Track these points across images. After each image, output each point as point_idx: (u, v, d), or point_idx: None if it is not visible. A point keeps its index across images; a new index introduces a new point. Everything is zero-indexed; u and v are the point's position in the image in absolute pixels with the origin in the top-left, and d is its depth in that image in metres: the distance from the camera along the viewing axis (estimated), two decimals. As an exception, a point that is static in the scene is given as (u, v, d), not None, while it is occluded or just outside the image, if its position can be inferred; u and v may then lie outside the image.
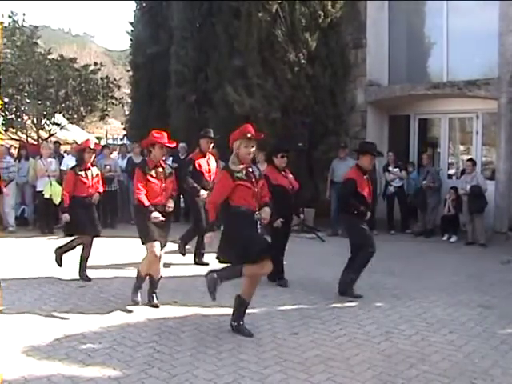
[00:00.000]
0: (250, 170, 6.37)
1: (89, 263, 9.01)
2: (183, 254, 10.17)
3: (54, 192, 13.84)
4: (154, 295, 7.51)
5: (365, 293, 8.08)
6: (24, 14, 20.53)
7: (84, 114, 21.01)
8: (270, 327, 6.67)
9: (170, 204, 7.66)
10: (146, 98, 20.67)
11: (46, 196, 13.79)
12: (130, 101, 23.84)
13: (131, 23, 22.49)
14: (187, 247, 10.24)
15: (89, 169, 9.03)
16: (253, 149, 6.33)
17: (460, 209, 13.55)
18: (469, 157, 14.64)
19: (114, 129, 42.27)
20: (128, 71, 24.11)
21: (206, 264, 9.81)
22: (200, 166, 9.97)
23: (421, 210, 14.41)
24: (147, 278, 7.54)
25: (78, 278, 8.88)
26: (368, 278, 8.55)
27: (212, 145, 10.32)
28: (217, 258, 6.35)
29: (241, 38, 15.60)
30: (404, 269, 9.80)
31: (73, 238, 9.11)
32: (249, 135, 6.32)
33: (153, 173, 7.41)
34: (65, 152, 17.44)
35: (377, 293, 8.20)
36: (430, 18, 16.69)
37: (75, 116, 20.74)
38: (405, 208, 14.92)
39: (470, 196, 13.03)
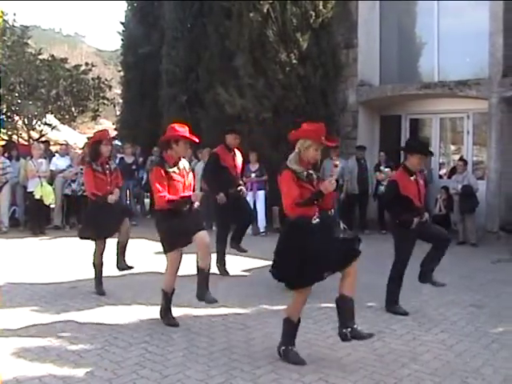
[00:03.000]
0: (310, 172, 5.61)
1: (79, 264, 8.97)
2: (226, 274, 9.61)
3: (44, 193, 13.83)
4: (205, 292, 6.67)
5: (356, 293, 8.07)
6: (14, 14, 20.57)
7: (75, 114, 21.00)
8: (262, 327, 6.67)
9: (195, 197, 6.90)
10: (137, 98, 20.65)
11: (37, 197, 13.77)
12: (121, 101, 23.82)
13: (122, 23, 22.46)
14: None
15: (106, 163, 8.23)
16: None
17: (451, 208, 13.59)
18: (460, 156, 14.69)
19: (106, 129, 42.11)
20: (119, 71, 24.09)
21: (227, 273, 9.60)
22: (225, 160, 9.42)
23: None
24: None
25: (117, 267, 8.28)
26: (359, 277, 8.54)
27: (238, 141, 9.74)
28: (271, 272, 5.64)
29: (232, 38, 15.59)
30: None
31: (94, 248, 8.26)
32: (324, 140, 5.61)
33: (175, 169, 6.69)
34: (56, 152, 17.38)
35: (368, 292, 8.20)
36: (421, 18, 16.72)
37: (66, 116, 20.71)
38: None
39: (462, 196, 13.07)
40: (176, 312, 7.17)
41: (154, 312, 7.17)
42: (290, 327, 5.63)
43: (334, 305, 7.57)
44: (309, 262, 5.26)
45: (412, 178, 7.39)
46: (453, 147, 16.79)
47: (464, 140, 15.48)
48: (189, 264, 9.67)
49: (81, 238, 8.35)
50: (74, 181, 14.57)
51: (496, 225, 13.75)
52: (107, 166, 8.18)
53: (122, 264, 8.21)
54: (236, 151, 9.68)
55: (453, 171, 14.98)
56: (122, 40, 22.59)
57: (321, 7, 14.96)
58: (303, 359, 5.50)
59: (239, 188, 9.58)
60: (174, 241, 6.58)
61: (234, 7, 15.42)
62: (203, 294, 6.55)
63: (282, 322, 6.84)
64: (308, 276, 5.37)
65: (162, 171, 6.57)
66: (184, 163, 6.87)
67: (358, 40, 16.14)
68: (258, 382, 5.08)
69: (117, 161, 16.09)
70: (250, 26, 14.78)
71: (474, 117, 15.25)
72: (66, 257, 10.82)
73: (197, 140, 7.12)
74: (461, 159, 14.00)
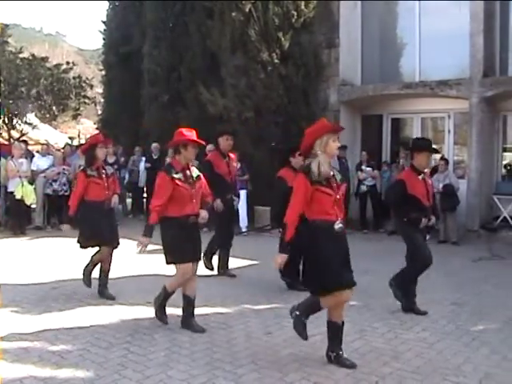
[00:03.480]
0: (331, 172, 5.38)
1: (61, 265, 8.92)
2: (211, 269, 9.46)
3: (25, 193, 13.73)
4: (192, 319, 6.58)
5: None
6: (-6, 13, 20.34)
7: (56, 113, 20.88)
8: (244, 327, 6.67)
9: (203, 214, 6.56)
10: (118, 97, 20.57)
11: (18, 197, 13.66)
12: (102, 100, 23.72)
13: (104, 22, 22.37)
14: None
15: (102, 168, 7.94)
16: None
17: (432, 207, 13.65)
18: (441, 156, 14.77)
19: (87, 128, 41.94)
20: (100, 70, 23.99)
21: (233, 275, 9.44)
22: (219, 167, 9.13)
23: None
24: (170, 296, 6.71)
25: (98, 295, 7.92)
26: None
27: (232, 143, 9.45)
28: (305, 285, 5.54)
29: (214, 37, 15.61)
30: (377, 268, 9.84)
31: (92, 255, 7.98)
32: (336, 128, 5.54)
33: (181, 176, 6.35)
34: (37, 152, 17.27)
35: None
36: (402, 19, 16.81)
37: (47, 115, 20.59)
38: (377, 207, 15.02)
39: (443, 194, 13.14)
40: (158, 312, 7.17)
41: (136, 312, 7.16)
42: (337, 331, 5.49)
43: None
44: (332, 265, 5.18)
45: (420, 177, 7.31)
46: (434, 147, 16.86)
47: (445, 139, 15.59)
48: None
49: (82, 247, 8.01)
50: (55, 180, 14.48)
51: (476, 223, 13.86)
52: (103, 171, 7.90)
53: (106, 294, 7.91)
54: (231, 156, 9.47)
55: (434, 170, 15.06)
56: (104, 39, 22.50)
57: (302, 7, 15.03)
58: (354, 363, 5.40)
59: (233, 198, 9.42)
60: (183, 253, 6.34)
61: (216, 7, 15.46)
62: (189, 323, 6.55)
63: (263, 322, 6.86)
64: (339, 277, 5.24)
65: (167, 177, 6.30)
66: (193, 170, 6.59)
67: (340, 40, 16.18)
68: (240, 382, 5.08)
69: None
70: (231, 25, 14.80)
71: (454, 116, 15.36)
72: (47, 257, 10.75)
73: (204, 143, 6.91)
74: (442, 158, 14.08)
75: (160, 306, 6.67)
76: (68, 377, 5.12)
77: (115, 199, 8.03)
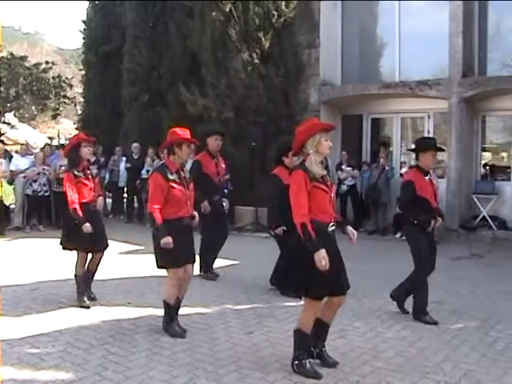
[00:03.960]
0: (324, 172, 5.29)
1: (40, 266, 8.85)
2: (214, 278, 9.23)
3: (4, 193, 13.62)
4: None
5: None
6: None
7: (35, 113, 20.76)
8: (225, 327, 6.67)
9: (196, 216, 6.54)
10: (98, 97, 20.51)
11: (-4, 197, 13.56)
12: (82, 100, 23.61)
13: (84, 22, 22.26)
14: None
15: (88, 168, 7.66)
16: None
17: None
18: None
19: (67, 129, 41.74)
20: (80, 70, 23.90)
21: (216, 275, 9.31)
22: (207, 168, 9.03)
23: (374, 206, 14.57)
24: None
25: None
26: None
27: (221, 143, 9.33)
28: (272, 284, 5.44)
29: (194, 37, 15.60)
30: (358, 267, 9.86)
31: (75, 261, 7.64)
32: (328, 126, 5.39)
33: (176, 177, 6.25)
34: (15, 152, 17.15)
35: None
36: (382, 19, 16.91)
37: (26, 115, 20.46)
38: (357, 206, 15.10)
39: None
40: (139, 312, 7.16)
41: (117, 313, 7.13)
42: (303, 341, 5.31)
43: (296, 304, 7.64)
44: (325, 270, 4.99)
45: (427, 177, 7.17)
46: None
47: (425, 139, 15.66)
48: (154, 264, 9.62)
49: (63, 248, 7.69)
50: (35, 181, 14.38)
51: (456, 223, 13.96)
52: (89, 172, 7.61)
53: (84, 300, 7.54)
54: (220, 158, 9.37)
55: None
56: (84, 38, 22.40)
57: (283, 7, 15.04)
58: (319, 373, 5.22)
59: (222, 200, 9.29)
60: (175, 257, 6.16)
61: (197, 6, 15.46)
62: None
63: (244, 322, 6.86)
64: (325, 285, 5.09)
65: (162, 179, 6.18)
66: (186, 172, 6.51)
67: (320, 40, 16.24)
68: (222, 382, 5.08)
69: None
70: (212, 25, 14.79)
71: (434, 116, 15.47)
72: (26, 258, 10.67)
73: (198, 143, 6.85)
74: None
75: (169, 325, 6.38)
76: (48, 379, 5.08)
77: (100, 201, 7.80)
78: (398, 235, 13.81)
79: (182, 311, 6.66)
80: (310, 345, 5.35)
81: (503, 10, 14.41)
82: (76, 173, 7.40)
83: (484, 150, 15.44)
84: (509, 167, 14.78)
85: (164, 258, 6.22)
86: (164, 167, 6.34)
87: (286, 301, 7.76)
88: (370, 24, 17.25)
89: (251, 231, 13.83)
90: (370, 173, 14.94)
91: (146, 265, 9.97)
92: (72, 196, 7.29)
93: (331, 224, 5.22)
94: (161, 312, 6.67)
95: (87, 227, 7.16)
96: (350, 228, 5.47)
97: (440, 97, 14.35)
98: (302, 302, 7.61)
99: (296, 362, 5.23)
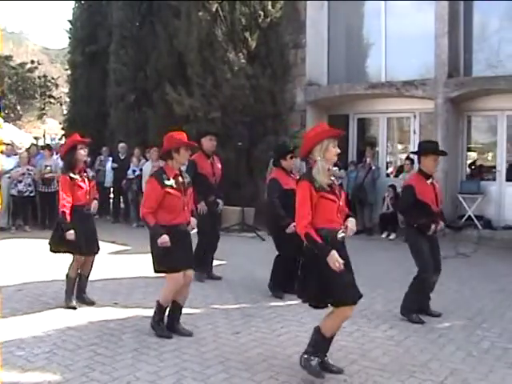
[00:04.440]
0: (332, 178, 5.19)
1: (26, 266, 8.79)
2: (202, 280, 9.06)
3: (-11, 193, 13.54)
4: (178, 326, 6.41)
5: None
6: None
7: (21, 113, 20.66)
8: (212, 327, 6.66)
9: (193, 223, 6.47)
10: (84, 97, 20.40)
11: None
12: (68, 100, 23.51)
13: (70, 21, 22.14)
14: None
15: (84, 171, 7.58)
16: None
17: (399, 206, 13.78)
18: (406, 155, 14.93)
19: (53, 129, 41.56)
20: (66, 70, 23.83)
21: (219, 278, 9.24)
22: (203, 168, 8.92)
23: (360, 206, 14.61)
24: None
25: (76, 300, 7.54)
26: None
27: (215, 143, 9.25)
28: (300, 297, 5.22)
29: (180, 37, 15.59)
30: (344, 266, 9.91)
31: (70, 263, 7.53)
32: (337, 133, 5.27)
33: (173, 183, 6.15)
34: (1, 152, 17.04)
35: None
36: (368, 19, 16.95)
37: (11, 115, 20.35)
38: (344, 207, 15.12)
39: (409, 194, 13.24)
40: (125, 313, 7.13)
41: (103, 313, 7.11)
42: (322, 343, 5.17)
43: (283, 303, 7.67)
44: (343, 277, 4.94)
45: (429, 181, 7.13)
46: (400, 146, 17.06)
47: (411, 139, 15.74)
48: (141, 264, 9.62)
49: (53, 251, 7.52)
50: (20, 181, 14.30)
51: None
52: (85, 174, 7.54)
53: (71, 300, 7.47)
54: (215, 158, 9.30)
55: (400, 170, 15.22)
56: (70, 38, 22.28)
57: (269, 7, 15.04)
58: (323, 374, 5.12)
59: (217, 201, 9.21)
60: (173, 261, 6.10)
61: (183, 6, 15.44)
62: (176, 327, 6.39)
63: (231, 322, 6.85)
64: (350, 292, 5.01)
65: (158, 184, 6.08)
66: (185, 177, 6.39)
67: (306, 40, 16.28)
68: (209, 382, 5.08)
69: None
70: (198, 25, 14.78)
71: (420, 116, 15.53)
72: (12, 259, 10.61)
73: (196, 144, 6.75)
74: (407, 158, 14.22)
75: (157, 324, 6.32)
76: (34, 381, 5.06)
77: (95, 204, 7.63)
78: (385, 235, 13.90)
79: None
80: (326, 350, 5.23)
81: (488, 10, 14.51)
82: (72, 175, 7.31)
83: (469, 149, 15.53)
84: (494, 167, 14.86)
85: (163, 263, 6.14)
86: (161, 172, 6.22)
87: (273, 301, 7.79)
88: (356, 24, 17.30)
89: (238, 231, 13.82)
90: (357, 173, 14.97)
91: (132, 265, 9.96)
92: (64, 199, 7.18)
93: (340, 231, 5.10)
94: (147, 312, 6.66)
95: (71, 235, 7.08)
96: (351, 221, 5.30)
97: (426, 97, 14.41)
98: (289, 302, 7.65)
99: (305, 356, 5.11)
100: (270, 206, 8.00)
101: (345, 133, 4.80)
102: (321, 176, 5.00)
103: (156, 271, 6.27)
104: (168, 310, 6.36)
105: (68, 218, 7.11)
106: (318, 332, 5.15)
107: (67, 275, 7.49)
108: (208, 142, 9.12)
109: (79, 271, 7.57)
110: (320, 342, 5.14)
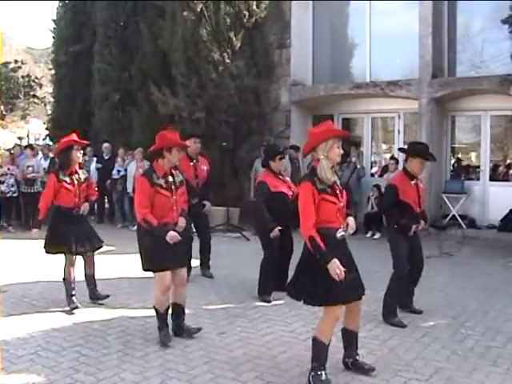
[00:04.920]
0: (335, 180, 5.15)
1: (10, 267, 8.74)
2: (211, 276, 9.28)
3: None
4: (184, 326, 6.35)
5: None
6: None
7: (4, 113, 20.52)
8: (200, 327, 6.65)
9: (181, 223, 6.22)
10: (68, 97, 20.34)
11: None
12: (52, 100, 23.40)
13: (54, 21, 22.07)
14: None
15: (76, 173, 7.41)
16: None
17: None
18: (391, 155, 14.99)
19: (37, 129, 41.35)
20: (50, 69, 23.68)
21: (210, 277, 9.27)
22: (184, 171, 8.34)
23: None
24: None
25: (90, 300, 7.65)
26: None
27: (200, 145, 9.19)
28: (289, 294, 5.18)
29: (165, 37, 15.57)
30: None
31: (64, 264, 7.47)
32: (343, 133, 5.29)
33: (162, 183, 6.04)
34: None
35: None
36: (353, 19, 17.01)
37: (-5, 115, 20.23)
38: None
39: (393, 194, 13.28)
40: (110, 314, 7.11)
41: (88, 314, 7.08)
42: (321, 350, 5.04)
43: (268, 304, 7.66)
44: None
45: (413, 182, 6.98)
46: (384, 146, 17.12)
47: (395, 139, 15.80)
48: (126, 265, 9.58)
49: (47, 252, 7.43)
50: (2, 182, 14.19)
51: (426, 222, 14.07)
52: (77, 176, 7.38)
53: (73, 301, 7.40)
54: (201, 160, 9.24)
55: (384, 170, 15.27)
56: (54, 38, 22.21)
57: (254, 7, 15.06)
58: None
59: (203, 203, 9.21)
60: (161, 260, 5.99)
61: (168, 6, 15.43)
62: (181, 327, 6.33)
63: (216, 322, 6.83)
64: (342, 291, 4.91)
65: (148, 183, 5.98)
66: (175, 176, 6.26)
67: (291, 40, 16.29)
68: (194, 382, 5.07)
69: (47, 161, 15.77)
70: (183, 25, 14.76)
71: (404, 116, 15.59)
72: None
73: (188, 145, 6.61)
74: (392, 158, 14.28)
75: (159, 330, 6.15)
76: (18, 382, 5.02)
77: (85, 207, 7.47)
78: (369, 234, 13.93)
79: (153, 312, 6.63)
80: (326, 356, 5.07)
81: (472, 11, 14.60)
82: (61, 176, 7.23)
83: (453, 149, 15.62)
84: (478, 167, 14.95)
85: (150, 261, 6.05)
86: (151, 171, 6.12)
87: (259, 301, 7.78)
88: (341, 24, 17.34)
89: (223, 231, 13.80)
90: (341, 172, 14.98)
91: (117, 265, 9.93)
92: (45, 195, 7.26)
93: (340, 230, 5.04)
94: (132, 313, 6.66)
95: (36, 233, 7.20)
96: (350, 219, 5.26)
97: (410, 97, 14.47)
98: (274, 303, 7.66)
99: (312, 374, 4.97)
100: (256, 208, 7.94)
101: (349, 136, 4.76)
102: (327, 173, 4.96)
103: (144, 270, 6.17)
104: (171, 313, 6.26)
105: (42, 216, 7.20)
106: (316, 341, 5.05)
107: (63, 278, 7.46)
108: (193, 145, 9.02)
109: (85, 272, 7.63)
110: (322, 352, 5.03)
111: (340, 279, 4.79)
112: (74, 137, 7.53)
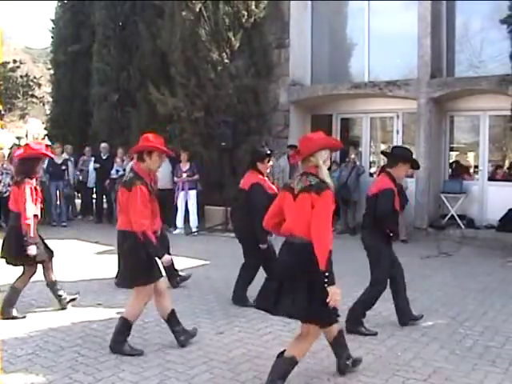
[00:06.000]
0: None
1: (7, 266, 8.68)
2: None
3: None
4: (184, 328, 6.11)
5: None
6: None
7: (3, 112, 20.51)
8: (196, 327, 6.65)
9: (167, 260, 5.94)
10: (67, 96, 20.30)
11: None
12: (51, 100, 23.37)
13: (52, 20, 22.03)
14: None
15: (36, 179, 7.13)
16: None
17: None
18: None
19: (35, 128, 41.34)
20: (49, 69, 23.65)
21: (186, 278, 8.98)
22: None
23: (344, 205, 14.62)
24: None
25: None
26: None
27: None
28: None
29: (164, 37, 15.57)
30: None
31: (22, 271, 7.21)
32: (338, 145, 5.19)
33: (148, 187, 5.72)
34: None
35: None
36: (351, 19, 16.99)
37: (-7, 115, 20.22)
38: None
39: (391, 194, 13.27)
40: (109, 313, 7.11)
41: (86, 314, 7.08)
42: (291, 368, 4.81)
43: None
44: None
45: (396, 187, 6.72)
46: (383, 146, 17.09)
47: (394, 139, 15.77)
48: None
49: (8, 263, 7.13)
50: (-1, 181, 14.15)
51: (425, 222, 14.09)
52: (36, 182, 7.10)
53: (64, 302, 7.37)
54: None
55: (382, 170, 15.23)
56: (52, 37, 22.16)
57: (253, 7, 15.06)
58: None
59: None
60: (156, 270, 5.80)
61: (167, 6, 15.43)
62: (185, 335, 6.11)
63: (214, 322, 6.83)
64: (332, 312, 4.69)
65: (148, 191, 5.67)
66: (156, 179, 6.08)
67: (290, 40, 16.26)
68: (193, 382, 5.08)
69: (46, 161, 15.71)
70: (182, 25, 14.76)
71: (403, 116, 15.57)
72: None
73: (172, 153, 6.36)
74: (390, 158, 14.26)
75: (121, 345, 5.79)
76: (17, 382, 5.03)
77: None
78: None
79: (151, 312, 6.63)
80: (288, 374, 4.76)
81: (470, 11, 14.59)
82: (34, 184, 6.94)
83: (452, 149, 15.61)
84: (476, 166, 14.95)
85: (143, 276, 5.71)
86: (138, 177, 5.71)
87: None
88: (339, 24, 17.33)
89: (221, 231, 13.81)
90: (340, 172, 14.98)
91: (116, 265, 9.90)
92: (30, 209, 6.76)
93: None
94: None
95: (33, 249, 6.77)
96: None
97: (409, 97, 14.46)
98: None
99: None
100: (253, 212, 7.37)
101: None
102: (329, 180, 4.80)
103: (132, 286, 5.89)
104: (168, 323, 6.05)
105: (31, 231, 6.73)
106: (291, 361, 4.77)
107: (13, 286, 7.17)
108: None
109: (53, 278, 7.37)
110: (290, 371, 4.79)
111: (334, 306, 4.57)
112: (45, 148, 7.23)
